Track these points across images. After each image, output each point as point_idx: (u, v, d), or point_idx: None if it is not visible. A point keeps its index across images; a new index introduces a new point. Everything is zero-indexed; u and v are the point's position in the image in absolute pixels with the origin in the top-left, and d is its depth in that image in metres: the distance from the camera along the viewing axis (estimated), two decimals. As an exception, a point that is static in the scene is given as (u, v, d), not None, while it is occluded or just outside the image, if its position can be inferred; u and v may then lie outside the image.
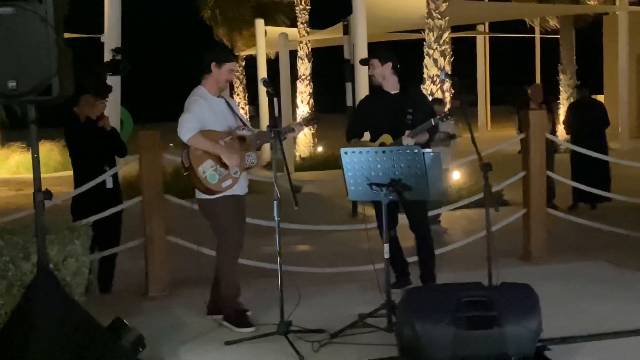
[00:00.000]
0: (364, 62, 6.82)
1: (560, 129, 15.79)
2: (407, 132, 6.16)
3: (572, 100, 19.71)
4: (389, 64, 6.39)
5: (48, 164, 19.64)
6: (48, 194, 4.68)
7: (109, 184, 7.04)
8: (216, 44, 27.28)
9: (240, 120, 5.83)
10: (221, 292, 5.78)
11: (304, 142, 21.99)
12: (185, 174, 5.68)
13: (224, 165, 5.63)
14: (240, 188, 5.78)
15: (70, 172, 7.21)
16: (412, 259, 6.70)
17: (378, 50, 6.63)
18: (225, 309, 5.76)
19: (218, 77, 5.73)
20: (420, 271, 6.48)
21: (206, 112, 5.66)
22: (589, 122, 11.10)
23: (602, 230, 8.10)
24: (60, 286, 4.70)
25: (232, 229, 5.71)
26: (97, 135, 6.92)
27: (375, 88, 6.55)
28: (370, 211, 10.48)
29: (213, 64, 5.71)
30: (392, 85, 6.45)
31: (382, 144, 6.22)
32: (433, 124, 6.18)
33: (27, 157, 19.71)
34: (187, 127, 5.53)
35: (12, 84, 4.41)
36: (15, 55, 4.40)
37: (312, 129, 22.44)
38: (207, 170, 5.62)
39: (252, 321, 5.70)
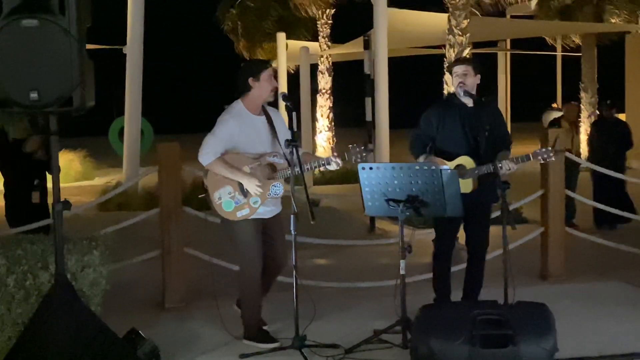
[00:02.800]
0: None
1: (583, 148, 15.71)
2: (511, 157, 5.77)
3: (593, 118, 19.59)
4: (479, 76, 6.00)
5: (68, 174, 19.70)
6: (67, 204, 4.73)
7: (35, 199, 7.04)
8: (236, 57, 27.38)
9: (278, 142, 5.50)
10: (242, 315, 5.70)
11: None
12: (200, 196, 5.56)
13: (243, 193, 5.44)
14: (267, 211, 5.57)
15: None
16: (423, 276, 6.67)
17: (470, 59, 6.20)
18: (246, 330, 5.67)
19: (260, 92, 5.48)
20: (463, 292, 6.16)
21: (236, 132, 5.43)
22: (614, 141, 11.03)
23: (621, 250, 8.04)
24: (77, 296, 4.73)
25: (251, 254, 5.51)
26: (24, 157, 6.85)
27: (448, 98, 6.13)
28: (389, 227, 10.54)
29: (250, 80, 5.44)
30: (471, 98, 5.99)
31: (459, 166, 5.80)
32: (532, 159, 5.84)
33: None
34: (207, 152, 5.39)
35: (33, 95, 4.46)
36: (37, 66, 4.45)
37: (331, 142, 22.45)
38: (223, 197, 5.46)
39: (274, 336, 5.60)
